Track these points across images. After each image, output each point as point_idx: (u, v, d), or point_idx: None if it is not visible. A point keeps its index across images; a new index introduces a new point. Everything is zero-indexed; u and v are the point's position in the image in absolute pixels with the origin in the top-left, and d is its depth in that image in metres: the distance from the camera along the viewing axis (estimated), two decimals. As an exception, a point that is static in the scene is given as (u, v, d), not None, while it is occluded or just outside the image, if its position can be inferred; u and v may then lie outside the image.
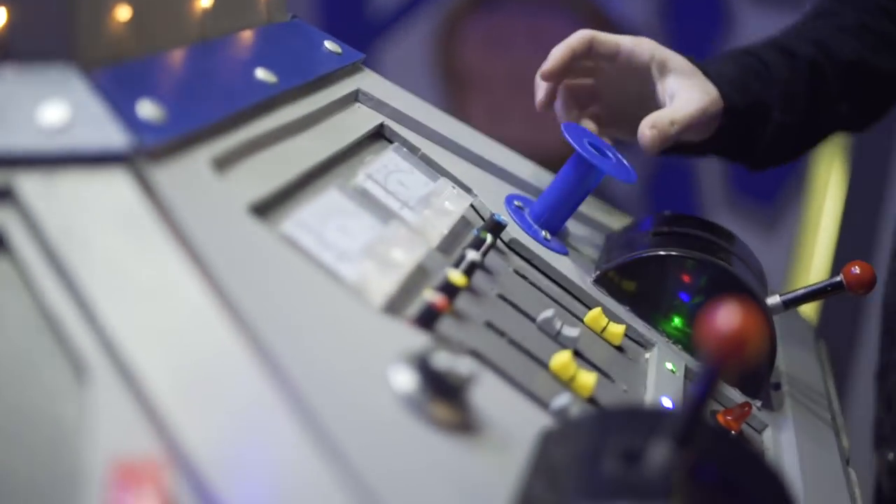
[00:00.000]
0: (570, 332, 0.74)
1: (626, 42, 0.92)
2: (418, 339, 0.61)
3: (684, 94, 0.90)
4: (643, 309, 0.84)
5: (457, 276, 0.68)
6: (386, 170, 0.79)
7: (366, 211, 0.70)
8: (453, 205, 0.80)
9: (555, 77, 0.94)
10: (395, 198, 0.76)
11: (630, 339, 0.82)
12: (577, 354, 0.74)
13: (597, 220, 0.97)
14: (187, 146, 0.62)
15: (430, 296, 0.64)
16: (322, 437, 0.49)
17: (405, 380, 0.55)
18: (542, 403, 0.64)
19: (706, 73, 0.93)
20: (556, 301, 0.80)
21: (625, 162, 0.87)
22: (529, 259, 0.83)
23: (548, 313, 0.74)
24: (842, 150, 2.28)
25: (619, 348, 0.79)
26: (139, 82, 0.63)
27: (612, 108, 0.97)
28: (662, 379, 0.77)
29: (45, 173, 0.55)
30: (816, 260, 2.32)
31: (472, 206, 0.85)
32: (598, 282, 0.84)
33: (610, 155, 0.86)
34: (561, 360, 0.69)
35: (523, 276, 0.80)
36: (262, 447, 0.48)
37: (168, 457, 0.46)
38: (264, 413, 0.49)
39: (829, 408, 0.89)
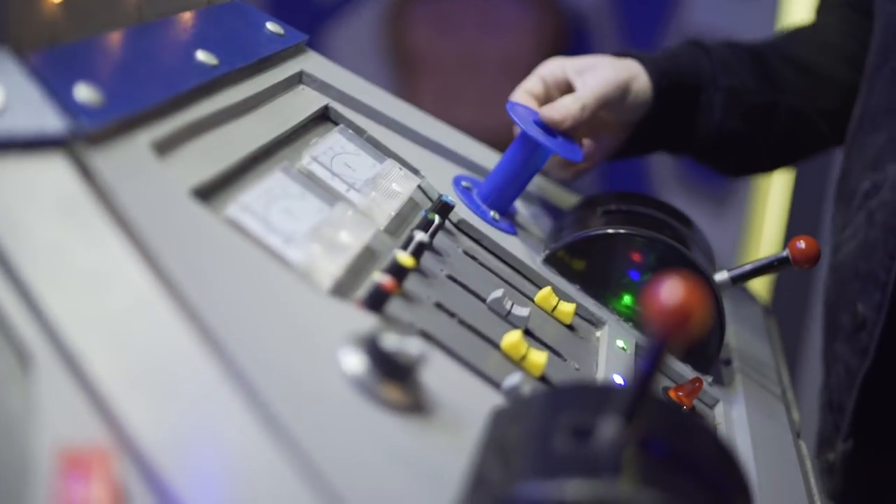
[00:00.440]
0: (521, 311, 0.74)
1: (543, 72, 0.93)
2: (367, 322, 0.60)
3: (590, 74, 0.91)
4: (593, 287, 0.84)
5: (405, 258, 0.67)
6: (332, 152, 0.78)
7: (312, 193, 0.70)
8: (400, 186, 0.79)
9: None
10: (341, 180, 0.75)
11: (581, 317, 0.82)
12: (528, 334, 0.74)
13: (546, 199, 0.97)
14: (127, 130, 0.61)
15: (379, 278, 0.64)
16: (272, 422, 0.48)
17: (354, 362, 0.55)
18: (494, 383, 0.64)
19: (620, 55, 0.96)
20: (505, 281, 0.80)
21: (571, 140, 0.87)
22: (478, 239, 0.82)
23: (497, 293, 0.73)
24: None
25: (570, 327, 0.79)
26: (76, 65, 0.61)
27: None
28: (613, 357, 0.77)
29: (-20, 160, 0.54)
30: (766, 237, 2.35)
31: (419, 187, 0.84)
32: (548, 261, 0.84)
33: (556, 134, 0.86)
34: (511, 339, 0.69)
35: (472, 257, 0.80)
36: (211, 433, 0.48)
37: (115, 444, 0.46)
38: (212, 399, 0.48)
39: (779, 382, 0.90)
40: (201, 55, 0.73)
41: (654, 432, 0.52)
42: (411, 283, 0.69)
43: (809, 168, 2.19)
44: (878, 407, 0.96)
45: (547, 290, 0.79)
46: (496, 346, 0.69)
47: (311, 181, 0.72)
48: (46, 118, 0.55)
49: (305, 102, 0.84)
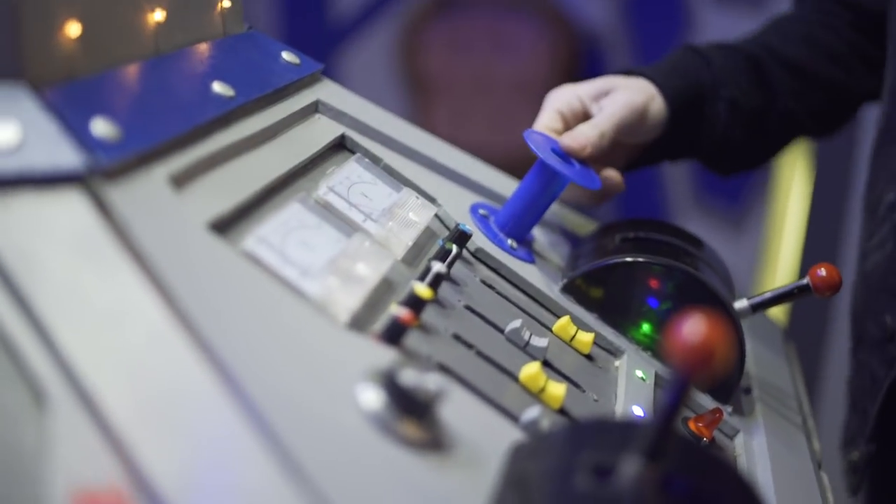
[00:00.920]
0: (539, 342, 0.73)
1: (557, 103, 0.93)
2: (385, 355, 0.60)
3: (608, 100, 0.91)
4: (612, 316, 0.83)
5: (422, 289, 0.67)
6: (348, 181, 0.78)
7: (329, 224, 0.69)
8: (417, 215, 0.79)
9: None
10: (358, 210, 0.75)
11: (599, 346, 0.81)
12: (547, 364, 0.73)
13: (563, 226, 0.97)
14: (144, 164, 0.60)
15: (396, 310, 0.63)
16: (288, 461, 0.48)
17: (372, 398, 0.54)
18: (512, 417, 0.64)
19: (632, 73, 0.96)
20: (523, 310, 0.79)
21: (589, 168, 0.87)
22: (496, 268, 0.82)
23: (515, 324, 0.73)
24: (805, 148, 2.30)
25: (589, 357, 0.78)
26: (92, 100, 0.61)
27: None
28: (632, 387, 0.76)
29: (-3, 196, 0.54)
30: (783, 258, 2.34)
31: (436, 215, 0.84)
32: (566, 290, 0.84)
33: (573, 162, 0.86)
34: (530, 371, 0.68)
35: (490, 286, 0.79)
36: (227, 473, 0.47)
37: (130, 484, 0.45)
38: (229, 438, 0.48)
39: (799, 411, 0.89)
40: (217, 87, 0.73)
41: (676, 470, 0.51)
42: (429, 314, 0.68)
43: (826, 189, 2.18)
44: None
45: (565, 319, 0.79)
46: (515, 378, 0.69)
47: (327, 212, 0.71)
48: (63, 154, 0.55)
49: (322, 132, 0.84)
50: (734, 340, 0.80)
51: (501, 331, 0.73)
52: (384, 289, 0.69)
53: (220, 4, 0.83)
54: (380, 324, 0.64)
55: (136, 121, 0.62)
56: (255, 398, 0.50)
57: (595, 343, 0.80)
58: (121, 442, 0.46)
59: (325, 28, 3.11)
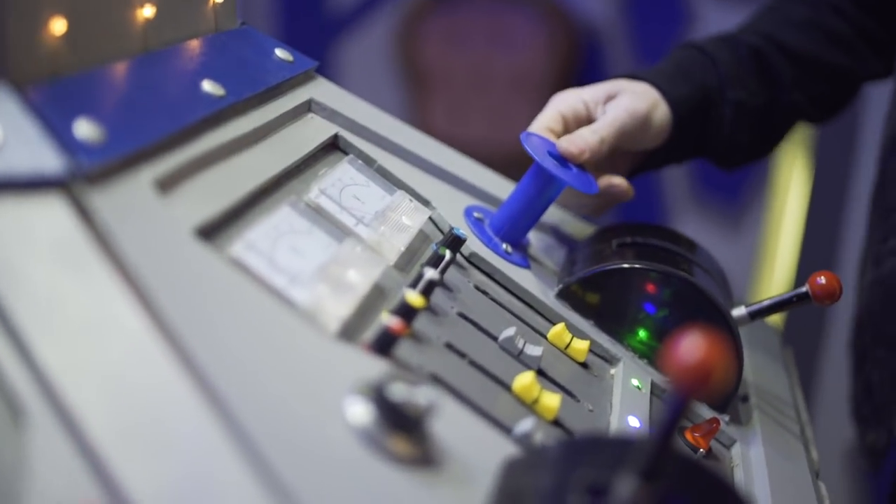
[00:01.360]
0: (533, 350, 0.71)
1: (561, 106, 0.91)
2: (375, 367, 0.58)
3: (611, 105, 0.90)
4: (608, 323, 0.82)
5: (414, 298, 0.65)
6: (341, 183, 0.76)
7: (319, 229, 0.68)
8: (410, 219, 0.77)
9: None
10: (350, 214, 0.73)
11: (595, 354, 0.80)
12: (541, 373, 0.72)
13: (559, 229, 0.95)
14: (128, 167, 0.59)
15: (387, 320, 0.62)
16: (273, 479, 0.46)
17: (360, 412, 0.53)
18: (505, 429, 0.62)
19: (637, 78, 0.93)
20: (518, 317, 0.78)
21: (586, 172, 0.85)
22: (490, 274, 0.80)
23: (509, 332, 0.71)
24: (804, 147, 2.28)
25: (584, 365, 0.77)
26: (76, 100, 0.59)
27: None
28: (628, 397, 0.75)
29: (-25, 200, 0.52)
30: (781, 255, 2.32)
31: (430, 219, 0.82)
32: (561, 295, 0.82)
33: (571, 165, 0.84)
34: (524, 381, 0.66)
35: (484, 292, 0.78)
36: (209, 491, 0.46)
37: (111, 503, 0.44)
38: (210, 456, 0.46)
39: (797, 419, 0.88)
40: (207, 85, 0.71)
41: (673, 491, 0.50)
42: (421, 322, 0.67)
43: (825, 188, 2.17)
44: None
45: (560, 326, 0.77)
46: (508, 388, 0.67)
47: (319, 216, 0.70)
48: (44, 157, 0.54)
49: (314, 132, 0.82)
50: (732, 356, 0.78)
51: (495, 339, 0.72)
52: (376, 296, 0.67)
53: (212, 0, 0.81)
54: (371, 332, 0.63)
55: (122, 122, 0.61)
56: (238, 413, 0.48)
57: (591, 351, 0.78)
58: (100, 460, 0.45)
59: (322, 20, 3.09)
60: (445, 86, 3.01)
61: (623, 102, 0.89)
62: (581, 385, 0.74)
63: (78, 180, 0.54)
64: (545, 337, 0.77)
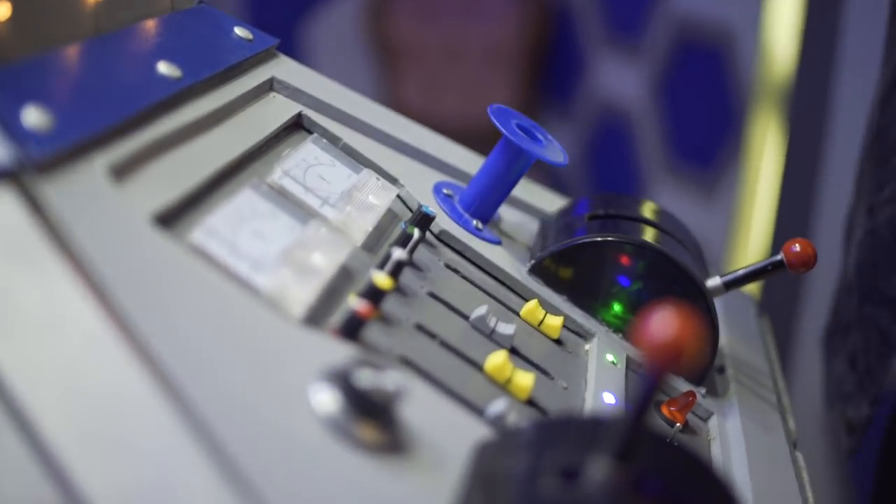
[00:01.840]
0: (506, 329, 0.70)
1: None
2: (343, 351, 0.57)
3: None
4: (581, 297, 0.81)
5: (382, 279, 0.64)
6: (305, 164, 0.75)
7: (283, 211, 0.66)
8: (378, 198, 0.76)
9: None
10: (314, 194, 0.71)
11: (569, 330, 0.79)
12: (514, 352, 0.71)
13: (531, 203, 0.94)
14: (81, 154, 0.57)
15: (354, 303, 0.60)
16: (237, 473, 0.45)
17: (326, 400, 0.52)
18: (477, 410, 0.61)
19: None
20: (490, 295, 0.77)
21: (556, 143, 0.84)
22: (461, 251, 0.79)
23: (481, 310, 0.70)
24: (778, 110, 2.27)
25: (558, 341, 0.76)
26: (24, 87, 0.57)
27: None
28: (603, 372, 0.74)
29: (-82, 194, 0.50)
30: (756, 222, 2.32)
31: (398, 196, 0.80)
32: (534, 271, 0.81)
33: (540, 137, 0.83)
34: (496, 361, 0.65)
35: (455, 270, 0.76)
36: (170, 490, 0.44)
37: None
38: (171, 454, 0.45)
39: (774, 389, 0.87)
40: (163, 67, 0.69)
41: (648, 471, 0.49)
42: (390, 304, 0.66)
43: (798, 153, 2.17)
44: None
45: (533, 303, 0.76)
46: (480, 368, 0.66)
47: (282, 197, 0.68)
48: (-9, 148, 0.52)
49: (277, 111, 0.80)
50: (705, 330, 0.77)
51: (467, 318, 0.71)
52: (342, 278, 0.66)
53: (167, -21, 0.79)
54: (338, 316, 0.61)
55: (73, 108, 0.59)
56: (200, 408, 0.47)
57: (564, 326, 0.77)
58: (57, 462, 0.43)
59: (291, -6, 3.05)
60: (417, 60, 2.98)
61: None
62: (555, 362, 0.73)
63: (27, 170, 0.53)
64: (518, 314, 0.76)
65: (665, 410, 0.74)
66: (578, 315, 0.80)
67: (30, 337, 0.47)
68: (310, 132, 0.82)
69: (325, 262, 0.64)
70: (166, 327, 0.50)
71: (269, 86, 0.82)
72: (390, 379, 0.52)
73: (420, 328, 0.66)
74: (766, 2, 2.22)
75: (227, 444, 0.46)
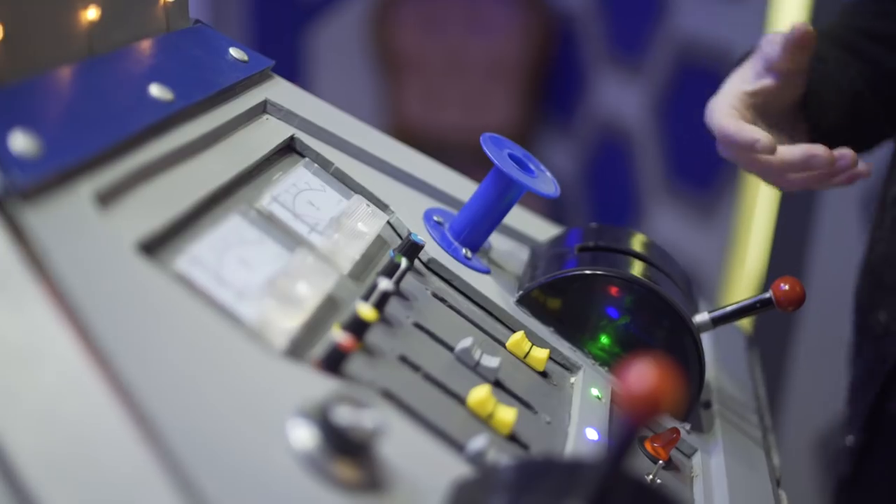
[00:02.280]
0: (490, 361, 0.70)
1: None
2: (324, 385, 0.56)
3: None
4: (568, 329, 0.81)
5: (366, 311, 0.63)
6: (295, 189, 0.74)
7: (271, 239, 0.66)
8: (367, 225, 0.76)
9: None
10: (303, 221, 0.71)
11: (555, 362, 0.78)
12: (498, 385, 0.70)
13: (521, 232, 0.94)
14: (67, 181, 0.57)
15: (337, 335, 0.60)
16: (210, 511, 0.45)
17: (304, 436, 0.51)
18: (458, 445, 0.61)
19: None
20: (476, 325, 0.76)
21: (547, 174, 0.84)
22: (449, 280, 0.79)
23: (466, 343, 0.70)
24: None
25: (543, 373, 0.76)
26: (12, 111, 0.57)
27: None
28: (587, 407, 0.74)
29: None
30: (753, 244, 2.32)
31: (388, 223, 0.80)
32: (522, 301, 0.81)
33: (532, 167, 0.83)
34: (478, 396, 0.65)
35: (442, 299, 0.76)
36: (142, 525, 0.44)
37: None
38: (144, 489, 0.45)
39: (760, 425, 0.87)
40: (155, 90, 0.69)
41: (623, 518, 0.49)
42: (374, 334, 0.65)
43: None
44: (892, 410, 0.97)
45: (519, 335, 0.76)
46: (463, 401, 0.66)
47: (270, 224, 0.68)
48: (-25, 174, 0.52)
49: (269, 134, 0.80)
50: (683, 383, 0.77)
51: (451, 349, 0.70)
52: (327, 308, 0.65)
53: (163, -2, 0.79)
54: (320, 348, 0.61)
55: (61, 132, 0.59)
56: (175, 444, 0.46)
57: (550, 358, 0.77)
58: (29, 494, 0.43)
59: (295, 6, 3.05)
60: (420, 71, 2.98)
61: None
62: (539, 395, 0.73)
63: (12, 197, 0.53)
64: (504, 345, 0.76)
65: (648, 446, 0.74)
66: (565, 347, 0.80)
67: (5, 366, 0.47)
68: (302, 156, 0.82)
69: (310, 291, 0.64)
70: (144, 358, 0.50)
71: (263, 108, 0.82)
72: (369, 416, 0.51)
73: (404, 360, 0.66)
74: (768, 24, 2.22)
75: (201, 479, 0.46)
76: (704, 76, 2.38)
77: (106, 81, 0.67)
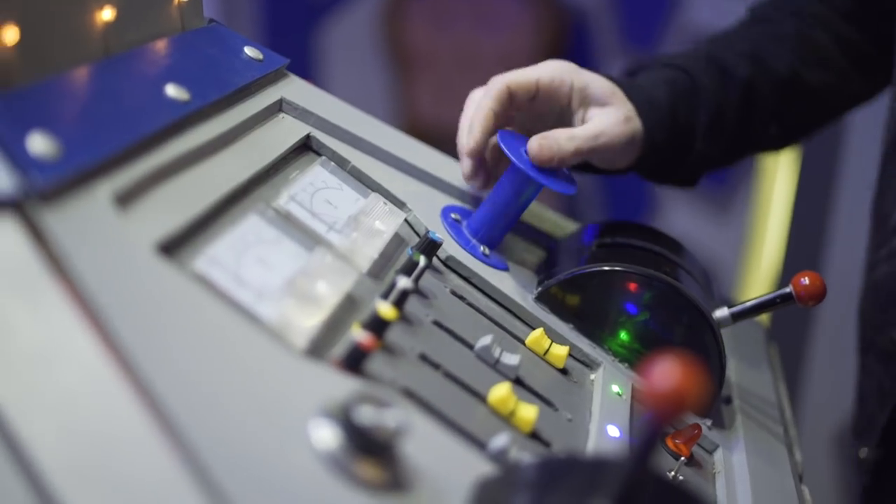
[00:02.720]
0: (510, 359, 0.70)
1: (543, 77, 0.85)
2: (345, 384, 0.56)
3: (596, 120, 0.85)
4: (588, 326, 0.80)
5: (386, 310, 0.63)
6: (312, 188, 0.74)
7: (289, 238, 0.66)
8: (384, 224, 0.75)
9: (481, 150, 0.85)
10: (321, 220, 0.71)
11: (575, 359, 0.78)
12: (518, 382, 0.70)
13: (539, 228, 0.93)
14: (85, 182, 0.57)
15: (358, 335, 0.60)
16: (233, 512, 0.45)
17: (327, 436, 0.51)
18: (480, 444, 0.61)
19: (630, 97, 0.87)
20: (496, 322, 0.76)
21: (565, 170, 0.83)
22: (468, 277, 0.79)
23: (485, 340, 0.70)
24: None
25: (563, 371, 0.75)
26: (30, 113, 0.57)
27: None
28: (608, 404, 0.73)
29: (-79, 223, 0.50)
30: (769, 240, 2.31)
31: (406, 220, 0.80)
32: (540, 298, 0.80)
33: (550, 164, 0.82)
34: (499, 394, 0.65)
35: (461, 297, 0.76)
36: (165, 527, 0.44)
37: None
38: (167, 489, 0.45)
39: (781, 420, 0.86)
40: (171, 90, 0.69)
41: (648, 517, 0.48)
42: (394, 333, 0.65)
43: (813, 171, 2.15)
44: None
45: (539, 332, 0.76)
46: (484, 399, 0.65)
47: (288, 223, 0.68)
48: (-5, 176, 0.51)
49: (285, 132, 0.80)
50: (705, 384, 0.76)
51: (471, 347, 0.70)
52: (347, 307, 0.65)
53: (177, -2, 0.79)
54: (341, 347, 0.61)
55: (79, 133, 0.58)
56: (198, 444, 0.46)
57: (570, 355, 0.77)
58: (50, 493, 0.43)
59: (307, 2, 3.05)
60: (431, 67, 2.98)
61: (609, 121, 0.84)
62: (560, 392, 0.73)
63: (31, 199, 0.52)
64: (524, 343, 0.76)
65: (670, 443, 0.74)
66: (584, 344, 0.79)
67: (27, 368, 0.47)
68: (318, 154, 0.81)
69: (329, 290, 0.63)
70: (165, 359, 0.50)
71: (279, 107, 0.82)
72: (391, 416, 0.51)
73: (424, 358, 0.66)
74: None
75: (224, 481, 0.46)
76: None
77: (122, 82, 0.67)
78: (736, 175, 2.41)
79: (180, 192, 0.64)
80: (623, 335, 0.80)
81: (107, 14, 0.68)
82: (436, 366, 0.66)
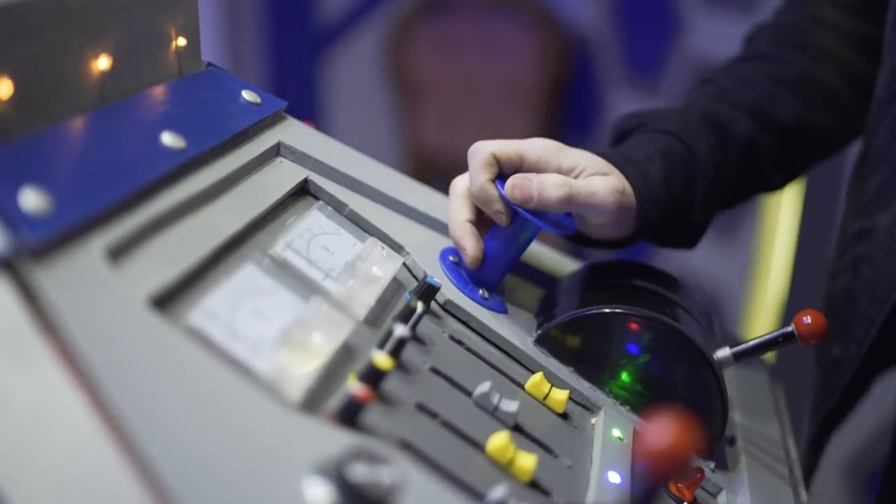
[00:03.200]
0: (509, 406, 0.69)
1: (529, 155, 0.80)
2: (340, 439, 0.56)
3: (596, 181, 0.80)
4: (588, 368, 0.79)
5: (382, 360, 0.63)
6: (309, 233, 0.74)
7: (285, 287, 0.65)
8: (382, 269, 0.75)
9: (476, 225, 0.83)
10: (317, 267, 0.71)
11: (575, 402, 0.77)
12: (517, 429, 0.70)
13: (539, 268, 0.93)
14: (78, 237, 0.56)
15: (353, 387, 0.59)
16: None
17: (321, 494, 0.51)
18: (478, 495, 0.60)
19: (625, 174, 0.83)
20: (495, 367, 0.76)
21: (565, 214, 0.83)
22: (466, 321, 0.78)
23: (484, 387, 0.69)
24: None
25: (564, 415, 0.75)
26: (23, 167, 0.57)
27: None
28: (609, 449, 0.73)
29: (-89, 283, 0.50)
30: (775, 266, 2.30)
31: (404, 264, 0.80)
32: (540, 341, 0.80)
33: (549, 206, 0.81)
34: (497, 443, 0.64)
35: (459, 342, 0.76)
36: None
37: None
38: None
39: (786, 460, 0.85)
40: (167, 138, 0.69)
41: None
42: (391, 382, 0.65)
43: (818, 195, 2.15)
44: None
45: (538, 376, 0.75)
46: (482, 448, 0.65)
47: (284, 272, 0.67)
48: (-15, 235, 0.51)
49: (283, 177, 0.80)
50: (701, 439, 0.75)
51: (470, 394, 0.69)
52: (343, 357, 0.65)
53: (174, 43, 0.79)
54: (336, 399, 0.61)
55: (72, 187, 0.58)
56: (188, 507, 0.46)
57: (571, 399, 0.76)
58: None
59: (311, 32, 3.07)
60: (436, 95, 2.99)
61: (608, 187, 0.80)
62: (560, 438, 0.72)
63: (22, 256, 0.52)
64: (523, 387, 0.75)
65: (673, 488, 0.73)
66: (585, 387, 0.79)
67: (17, 431, 0.46)
68: (316, 198, 0.81)
69: (325, 341, 0.63)
70: (156, 419, 0.49)
71: (276, 151, 0.81)
72: (386, 472, 0.51)
73: (421, 407, 0.65)
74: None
75: (216, 545, 0.45)
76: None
77: (117, 131, 0.67)
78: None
79: (175, 243, 0.63)
80: (624, 377, 0.79)
81: (103, 63, 0.68)
82: (433, 415, 0.65)
